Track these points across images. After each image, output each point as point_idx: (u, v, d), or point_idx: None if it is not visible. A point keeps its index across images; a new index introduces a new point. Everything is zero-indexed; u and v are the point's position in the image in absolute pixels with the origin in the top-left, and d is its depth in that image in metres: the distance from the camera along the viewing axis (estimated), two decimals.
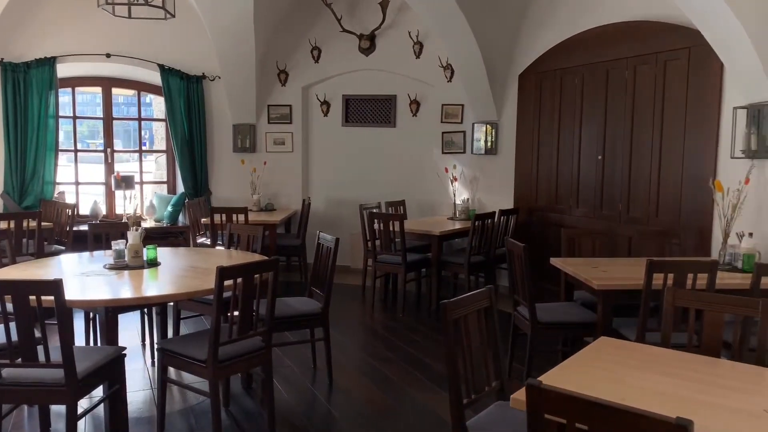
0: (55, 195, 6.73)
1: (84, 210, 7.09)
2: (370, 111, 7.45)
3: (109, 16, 5.33)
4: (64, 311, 2.52)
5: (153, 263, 3.65)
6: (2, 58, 6.29)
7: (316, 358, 4.26)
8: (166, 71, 6.99)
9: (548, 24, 5.94)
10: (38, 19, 6.51)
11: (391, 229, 5.69)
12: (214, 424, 2.93)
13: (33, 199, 6.47)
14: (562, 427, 1.70)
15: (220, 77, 7.15)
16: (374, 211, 6.16)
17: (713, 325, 2.51)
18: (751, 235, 3.93)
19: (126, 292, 3.15)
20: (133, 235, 3.63)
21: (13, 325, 2.64)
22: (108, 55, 6.82)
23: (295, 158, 7.51)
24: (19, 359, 2.58)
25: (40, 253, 5.12)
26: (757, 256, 3.83)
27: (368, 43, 7.14)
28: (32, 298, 2.54)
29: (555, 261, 4.15)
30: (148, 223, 7.00)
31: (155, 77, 7.08)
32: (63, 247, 5.81)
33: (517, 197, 6.42)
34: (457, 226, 6.12)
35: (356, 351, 4.74)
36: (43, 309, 2.59)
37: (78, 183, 7.26)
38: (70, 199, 6.95)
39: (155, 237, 6.46)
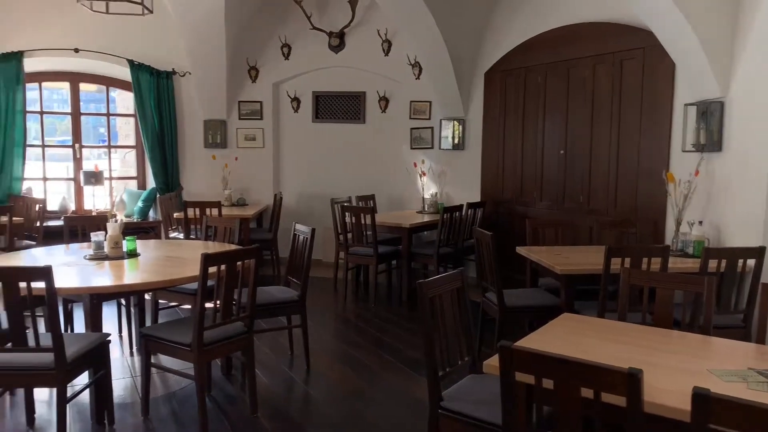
0: (23, 191, 6.67)
1: (52, 206, 7.04)
2: (340, 107, 7.59)
3: (77, 10, 5.35)
4: (53, 296, 2.61)
5: (132, 254, 3.73)
6: None
7: (293, 344, 4.40)
8: (135, 67, 6.99)
9: (512, 24, 6.18)
10: (4, 14, 6.44)
11: (362, 222, 5.85)
12: (200, 405, 3.04)
13: (1, 195, 6.40)
14: (530, 388, 1.89)
15: (190, 73, 7.19)
16: (346, 204, 6.31)
17: (664, 302, 2.75)
18: (701, 223, 4.23)
19: (109, 281, 3.23)
20: (112, 227, 3.71)
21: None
22: (76, 50, 6.78)
23: (266, 154, 7.60)
24: (9, 344, 2.66)
25: (12, 248, 5.11)
26: (706, 242, 4.12)
27: (338, 40, 7.27)
28: (21, 285, 2.61)
29: (521, 249, 4.38)
30: (120, 219, 6.98)
31: (123, 72, 7.07)
32: (33, 242, 5.79)
33: (484, 191, 6.65)
34: (426, 219, 6.32)
35: (330, 338, 4.88)
36: (30, 296, 2.66)
37: (45, 179, 7.20)
38: (37, 194, 6.89)
39: (125, 232, 6.44)
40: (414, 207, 7.15)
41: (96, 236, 3.76)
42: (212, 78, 7.15)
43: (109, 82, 7.44)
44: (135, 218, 7.09)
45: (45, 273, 2.57)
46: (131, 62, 6.96)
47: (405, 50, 7.05)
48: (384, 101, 7.42)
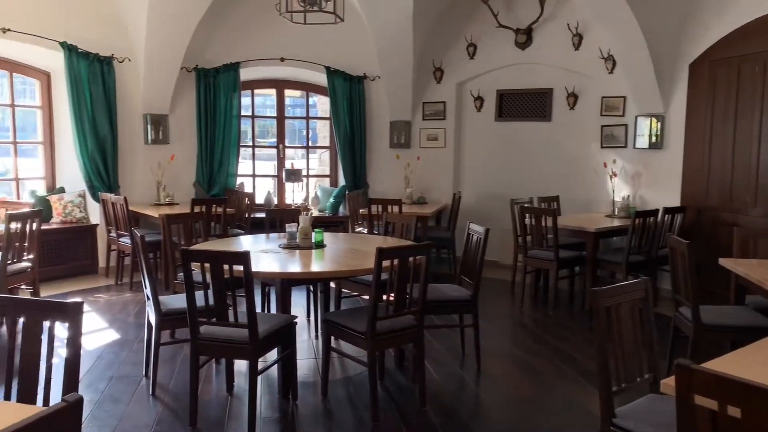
0: (237, 185, 7.59)
1: (259, 199, 7.90)
2: (524, 105, 7.41)
3: (282, 24, 5.92)
4: (250, 278, 2.93)
5: (320, 245, 4.04)
6: (197, 65, 7.22)
7: (464, 343, 4.41)
8: (331, 73, 7.53)
9: (723, 9, 5.49)
10: (225, 30, 7.36)
11: (543, 224, 5.65)
12: (371, 390, 3.20)
13: (219, 189, 7.36)
14: (714, 415, 1.68)
15: (380, 77, 7.56)
16: (526, 205, 6.14)
17: None
18: None
19: (298, 268, 3.54)
20: (303, 219, 4.06)
21: (200, 294, 3.12)
22: (282, 59, 7.51)
23: (447, 153, 7.70)
24: (214, 319, 3.05)
25: (224, 235, 5.85)
26: None
27: (525, 37, 7.10)
28: (225, 267, 2.99)
29: (724, 261, 3.88)
30: (312, 213, 7.61)
31: (320, 78, 7.67)
32: (242, 231, 6.56)
33: (685, 195, 6.01)
34: (616, 223, 5.90)
35: (504, 341, 4.80)
36: (232, 277, 3.03)
37: (255, 175, 8.11)
38: (247, 189, 7.80)
39: (318, 225, 7.01)
40: (602, 210, 6.72)
41: (290, 227, 4.14)
42: (400, 81, 7.44)
43: (310, 88, 8.12)
44: (327, 213, 7.65)
45: (243, 258, 2.90)
46: (327, 69, 7.52)
47: (597, 44, 6.65)
48: (572, 98, 7.07)
